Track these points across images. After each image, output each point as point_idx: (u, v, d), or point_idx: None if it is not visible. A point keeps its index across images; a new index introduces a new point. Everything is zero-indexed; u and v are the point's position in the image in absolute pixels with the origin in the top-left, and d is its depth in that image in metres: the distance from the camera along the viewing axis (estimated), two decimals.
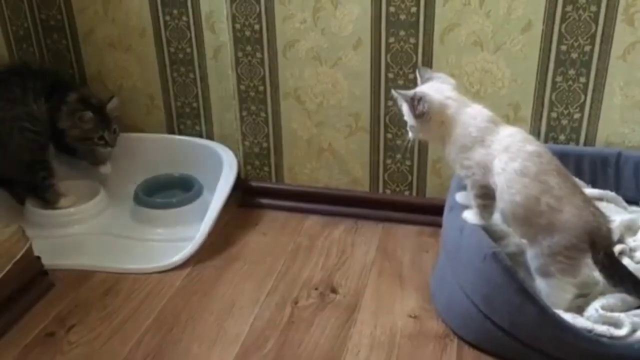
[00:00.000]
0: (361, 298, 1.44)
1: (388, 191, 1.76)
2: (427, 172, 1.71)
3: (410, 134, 1.33)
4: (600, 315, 1.13)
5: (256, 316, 1.39)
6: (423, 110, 1.25)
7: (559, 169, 1.22)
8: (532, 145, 1.23)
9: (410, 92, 1.26)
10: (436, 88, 1.29)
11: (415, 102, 1.25)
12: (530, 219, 1.19)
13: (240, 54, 1.69)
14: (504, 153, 1.22)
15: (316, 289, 1.48)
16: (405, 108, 1.29)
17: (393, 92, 1.30)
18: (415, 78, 1.58)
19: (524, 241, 1.24)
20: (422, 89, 1.29)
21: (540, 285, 1.20)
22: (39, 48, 1.90)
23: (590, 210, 1.19)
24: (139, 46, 1.82)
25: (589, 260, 1.18)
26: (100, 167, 1.81)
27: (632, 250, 1.35)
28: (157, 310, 1.41)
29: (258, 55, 1.68)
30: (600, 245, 1.16)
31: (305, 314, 1.40)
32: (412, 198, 1.75)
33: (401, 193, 1.75)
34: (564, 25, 1.46)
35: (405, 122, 1.32)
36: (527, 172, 1.19)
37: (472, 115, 1.27)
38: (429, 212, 1.66)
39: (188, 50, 1.79)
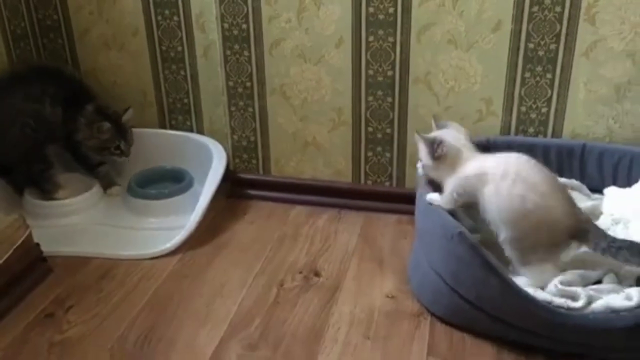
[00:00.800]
0: (342, 281, 1.54)
1: (369, 182, 1.86)
2: (406, 163, 1.80)
3: (419, 171, 1.46)
4: (559, 290, 1.23)
5: (244, 297, 1.48)
6: (442, 154, 1.38)
7: (540, 167, 1.32)
8: (513, 156, 1.34)
9: (431, 136, 1.41)
10: (453, 135, 1.42)
11: (435, 145, 1.38)
12: (518, 222, 1.27)
13: (228, 52, 1.78)
14: (492, 170, 1.32)
15: (300, 272, 1.57)
16: (423, 149, 1.41)
17: (416, 135, 1.43)
18: (393, 75, 1.69)
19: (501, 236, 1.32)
20: (441, 135, 1.41)
21: (521, 270, 1.31)
22: (35, 47, 1.98)
23: (575, 209, 1.28)
24: (132, 45, 1.91)
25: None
26: (112, 188, 1.88)
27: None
28: (150, 293, 1.50)
29: (245, 53, 1.77)
30: (584, 239, 1.25)
31: (290, 295, 1.49)
32: (392, 188, 1.84)
33: (382, 184, 1.85)
34: (531, 25, 1.56)
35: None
36: (508, 172, 1.29)
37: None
38: (408, 202, 1.73)
39: (179, 48, 1.87)
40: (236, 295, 1.49)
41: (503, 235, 1.30)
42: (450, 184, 1.37)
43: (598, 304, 1.19)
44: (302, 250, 1.66)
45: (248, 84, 1.81)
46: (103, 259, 1.61)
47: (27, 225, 1.52)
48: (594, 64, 1.56)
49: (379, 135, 1.78)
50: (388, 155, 1.81)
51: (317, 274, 1.56)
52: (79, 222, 1.77)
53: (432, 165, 1.41)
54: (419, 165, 1.47)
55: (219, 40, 1.77)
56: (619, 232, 1.38)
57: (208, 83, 1.89)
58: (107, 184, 1.89)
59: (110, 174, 1.91)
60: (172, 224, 1.73)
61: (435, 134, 1.43)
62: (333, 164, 1.85)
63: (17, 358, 1.30)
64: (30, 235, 1.52)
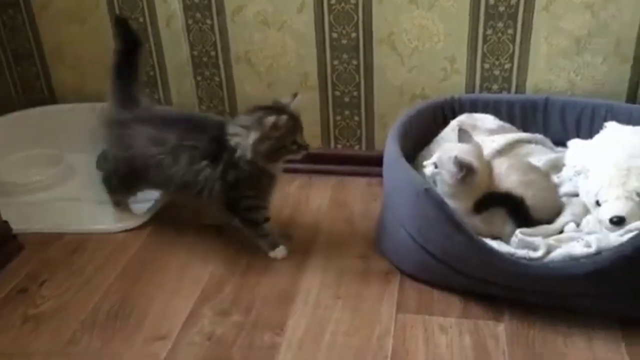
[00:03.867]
0: (314, 244, 1.55)
1: (339, 146, 1.86)
2: (374, 126, 1.81)
3: (427, 173, 1.38)
4: (520, 240, 1.26)
5: (216, 265, 1.49)
6: (470, 183, 1.33)
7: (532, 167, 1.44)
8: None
9: (468, 162, 1.32)
10: (477, 156, 1.37)
11: (469, 172, 1.31)
12: None
13: (190, 21, 1.76)
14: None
15: None
16: (450, 166, 1.32)
17: (457, 157, 1.31)
18: (357, 37, 1.68)
19: None
20: (473, 160, 1.34)
21: None
22: None
23: None
24: (94, 18, 1.88)
25: None
26: (277, 250, 1.51)
27: (556, 185, 1.47)
28: (123, 265, 1.50)
29: (208, 21, 1.75)
30: None
31: (261, 261, 1.50)
32: (362, 151, 1.86)
33: (351, 147, 1.86)
34: None
35: None
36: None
37: None
38: (378, 164, 1.73)
39: (141, 19, 1.84)
40: (208, 263, 1.50)
41: None
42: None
43: (557, 253, 1.22)
44: (274, 216, 1.66)
45: (212, 53, 1.80)
46: (74, 234, 1.61)
47: None
48: (554, 18, 1.57)
49: (346, 99, 1.79)
50: (356, 118, 1.81)
51: (288, 239, 1.57)
52: (48, 198, 1.76)
53: (453, 182, 1.33)
54: (430, 170, 1.37)
55: (180, 9, 1.75)
56: (580, 183, 1.40)
57: (173, 54, 1.87)
58: (271, 244, 1.52)
59: (275, 231, 1.54)
60: (143, 196, 1.72)
61: (469, 159, 1.33)
62: None
63: None
64: None
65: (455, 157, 1.32)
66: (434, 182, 1.36)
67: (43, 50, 1.96)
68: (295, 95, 1.45)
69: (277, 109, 1.41)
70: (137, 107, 1.53)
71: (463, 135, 1.43)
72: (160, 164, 1.45)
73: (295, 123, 1.41)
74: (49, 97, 2.02)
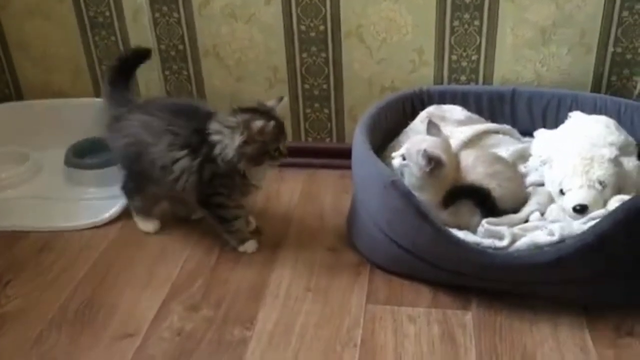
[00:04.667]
0: (284, 237, 1.55)
1: (310, 139, 1.86)
2: (344, 118, 1.81)
3: (395, 165, 1.38)
4: (486, 230, 1.27)
5: (186, 260, 1.48)
6: (438, 176, 1.34)
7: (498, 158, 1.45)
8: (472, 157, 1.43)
9: (437, 155, 1.32)
10: (445, 150, 1.37)
11: (437, 164, 1.32)
12: None
13: (157, 15, 1.74)
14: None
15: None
16: (419, 159, 1.33)
17: (426, 150, 1.31)
18: (325, 30, 1.67)
19: None
20: (441, 154, 1.34)
21: None
22: None
23: None
24: (58, 12, 1.84)
25: None
26: (247, 243, 1.51)
27: (522, 175, 1.49)
28: (91, 263, 1.49)
29: (175, 15, 1.73)
30: None
31: (232, 254, 1.50)
32: (333, 144, 1.86)
33: (322, 140, 1.86)
34: None
35: None
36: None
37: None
38: (349, 157, 1.75)
39: (107, 13, 1.82)
40: (178, 258, 1.49)
41: None
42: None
43: (522, 242, 1.23)
44: None
45: (180, 46, 1.78)
46: (41, 232, 1.59)
47: None
48: (519, 9, 1.58)
49: (316, 92, 1.78)
50: (326, 111, 1.81)
51: (259, 233, 1.57)
52: (14, 196, 1.73)
53: (420, 175, 1.34)
54: (398, 162, 1.38)
55: (147, 3, 1.73)
56: (545, 172, 1.42)
57: None
58: (240, 239, 1.51)
59: (244, 227, 1.54)
60: (112, 193, 1.70)
61: (438, 152, 1.34)
62: None
63: None
64: None
65: (424, 151, 1.32)
66: (402, 174, 1.37)
67: (7, 45, 1.92)
68: (281, 98, 1.45)
69: (262, 112, 1.39)
70: (131, 104, 1.54)
71: (432, 128, 1.44)
72: (149, 149, 1.44)
73: (280, 130, 1.40)
74: (15, 93, 1.99)
